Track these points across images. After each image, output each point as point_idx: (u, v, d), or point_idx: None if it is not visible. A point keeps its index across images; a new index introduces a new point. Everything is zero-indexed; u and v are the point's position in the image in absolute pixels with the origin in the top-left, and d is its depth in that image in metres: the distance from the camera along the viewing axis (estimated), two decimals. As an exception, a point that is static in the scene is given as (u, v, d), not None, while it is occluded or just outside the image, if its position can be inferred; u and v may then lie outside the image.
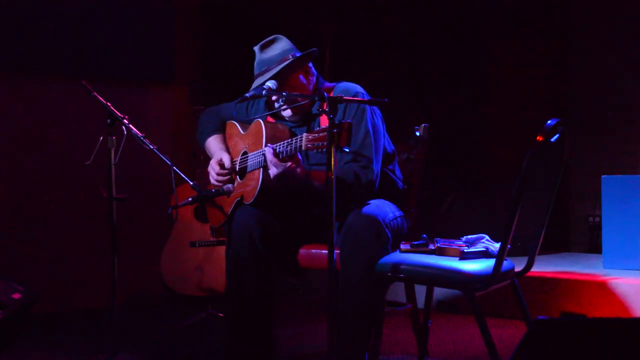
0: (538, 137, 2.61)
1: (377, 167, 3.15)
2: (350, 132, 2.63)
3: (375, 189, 3.15)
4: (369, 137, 3.14)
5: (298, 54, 3.27)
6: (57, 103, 4.88)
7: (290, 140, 2.94)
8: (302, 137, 2.84)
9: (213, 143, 3.44)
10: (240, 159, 3.31)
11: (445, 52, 5.59)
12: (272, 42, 3.27)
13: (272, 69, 3.20)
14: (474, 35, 5.53)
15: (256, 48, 3.27)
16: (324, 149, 2.65)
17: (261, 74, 3.23)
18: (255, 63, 3.27)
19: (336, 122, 3.13)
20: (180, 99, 5.34)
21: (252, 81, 3.28)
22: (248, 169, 3.22)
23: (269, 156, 2.99)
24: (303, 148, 2.83)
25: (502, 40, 5.50)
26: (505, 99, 5.51)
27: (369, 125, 3.17)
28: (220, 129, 3.49)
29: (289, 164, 2.98)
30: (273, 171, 2.99)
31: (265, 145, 3.09)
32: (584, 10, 5.30)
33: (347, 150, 2.67)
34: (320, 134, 2.70)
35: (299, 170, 3.02)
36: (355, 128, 3.10)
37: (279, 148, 2.99)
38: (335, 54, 5.32)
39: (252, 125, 3.28)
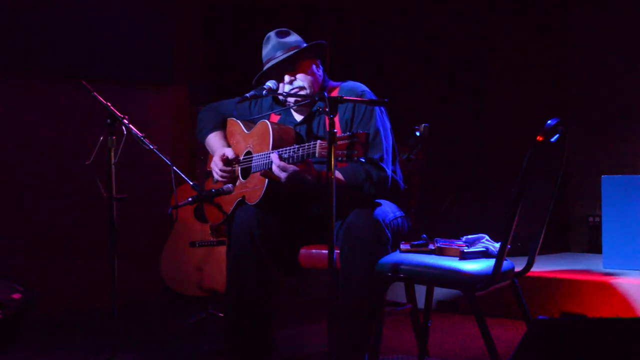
0: (538, 137, 2.61)
1: (389, 166, 3.16)
2: (367, 144, 2.62)
3: (387, 188, 3.16)
4: (379, 136, 3.16)
5: None
6: (57, 103, 4.88)
7: (302, 145, 2.92)
8: (315, 144, 2.82)
9: (214, 140, 3.44)
10: (243, 159, 3.30)
11: (445, 51, 5.59)
12: (287, 32, 3.33)
13: (289, 52, 3.24)
14: (474, 35, 5.53)
15: (272, 33, 3.32)
16: (342, 158, 2.63)
17: (274, 57, 3.26)
18: (271, 45, 3.29)
19: (344, 122, 3.17)
20: (180, 99, 5.33)
21: (254, 76, 3.32)
22: (252, 170, 3.21)
23: (276, 161, 2.97)
24: (317, 155, 2.82)
25: (503, 41, 5.50)
26: (505, 98, 5.51)
27: (379, 124, 3.18)
28: (220, 125, 3.49)
29: (297, 167, 2.96)
30: (283, 175, 2.97)
31: (272, 148, 3.10)
32: (584, 10, 5.30)
33: (363, 160, 2.66)
34: (338, 142, 2.64)
35: (309, 173, 3.00)
36: (365, 127, 3.13)
37: (288, 153, 2.98)
38: (335, 54, 5.32)
39: (258, 125, 3.28)
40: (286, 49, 3.26)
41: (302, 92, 3.26)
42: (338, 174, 3.05)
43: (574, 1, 5.34)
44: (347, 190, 3.06)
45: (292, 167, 2.96)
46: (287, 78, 3.27)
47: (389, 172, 3.16)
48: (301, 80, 3.26)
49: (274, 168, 2.99)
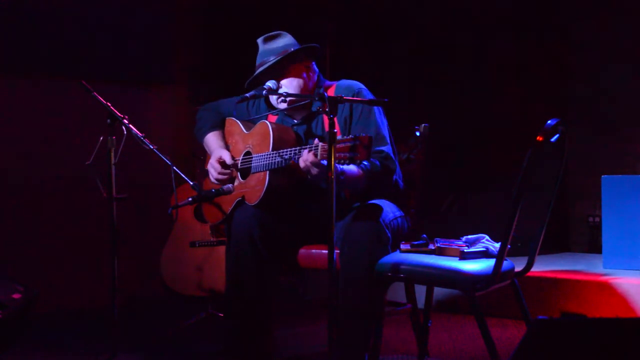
0: (538, 137, 2.61)
1: (395, 157, 3.19)
2: (370, 147, 2.61)
3: (394, 178, 3.18)
4: (382, 130, 3.17)
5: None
6: (57, 103, 4.88)
7: (304, 147, 2.92)
8: (317, 145, 2.82)
9: (212, 139, 3.43)
10: (243, 159, 3.30)
11: (445, 51, 5.59)
12: (276, 36, 3.32)
13: (272, 60, 3.24)
14: (474, 35, 5.53)
15: (259, 40, 3.32)
16: (345, 161, 2.62)
17: (263, 63, 3.27)
18: (259, 52, 3.31)
19: (342, 120, 3.17)
20: (180, 99, 5.34)
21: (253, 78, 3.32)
22: (252, 170, 3.21)
23: (311, 158, 2.87)
24: (318, 157, 2.83)
25: (502, 40, 5.50)
26: (505, 98, 5.50)
27: (378, 120, 3.19)
28: (219, 125, 3.48)
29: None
30: (314, 171, 2.89)
31: (273, 149, 3.09)
32: (584, 10, 5.30)
33: (366, 163, 2.65)
34: (339, 145, 2.63)
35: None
36: (365, 122, 3.15)
37: (289, 154, 2.99)
38: (335, 54, 5.32)
39: (258, 125, 3.28)
40: (275, 54, 3.25)
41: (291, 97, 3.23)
42: (353, 167, 3.02)
43: (575, 1, 5.34)
44: (365, 180, 3.05)
45: (322, 165, 2.90)
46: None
47: (396, 160, 3.19)
48: (286, 86, 3.25)
49: (306, 163, 2.88)
